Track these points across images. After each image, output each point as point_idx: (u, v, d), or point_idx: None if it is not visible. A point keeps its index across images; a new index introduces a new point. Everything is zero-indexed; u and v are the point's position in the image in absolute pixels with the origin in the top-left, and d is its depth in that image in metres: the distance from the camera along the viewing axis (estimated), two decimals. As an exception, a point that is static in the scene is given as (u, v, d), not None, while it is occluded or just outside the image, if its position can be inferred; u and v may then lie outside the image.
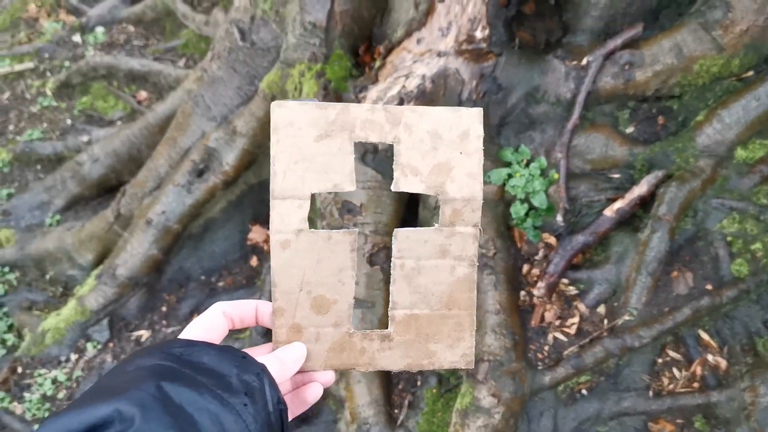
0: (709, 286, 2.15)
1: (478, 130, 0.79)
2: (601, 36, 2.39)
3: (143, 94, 3.62)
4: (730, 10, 2.19)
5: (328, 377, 0.80)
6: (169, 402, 0.58)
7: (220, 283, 2.87)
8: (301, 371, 0.78)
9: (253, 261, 2.87)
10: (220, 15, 3.55)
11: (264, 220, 2.91)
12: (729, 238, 2.17)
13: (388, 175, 2.35)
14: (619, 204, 2.24)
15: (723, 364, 2.08)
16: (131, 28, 3.96)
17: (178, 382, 0.60)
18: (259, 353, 0.74)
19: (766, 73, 2.23)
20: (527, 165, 2.34)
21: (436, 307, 0.81)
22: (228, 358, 0.66)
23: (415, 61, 2.40)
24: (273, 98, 2.59)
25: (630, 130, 2.38)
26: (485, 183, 2.29)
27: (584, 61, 2.32)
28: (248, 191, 2.89)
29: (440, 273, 0.80)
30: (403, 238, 0.79)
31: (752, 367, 2.01)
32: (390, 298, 0.81)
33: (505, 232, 2.31)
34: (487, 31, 2.36)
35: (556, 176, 2.32)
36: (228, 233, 2.90)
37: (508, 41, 2.40)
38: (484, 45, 2.36)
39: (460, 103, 2.35)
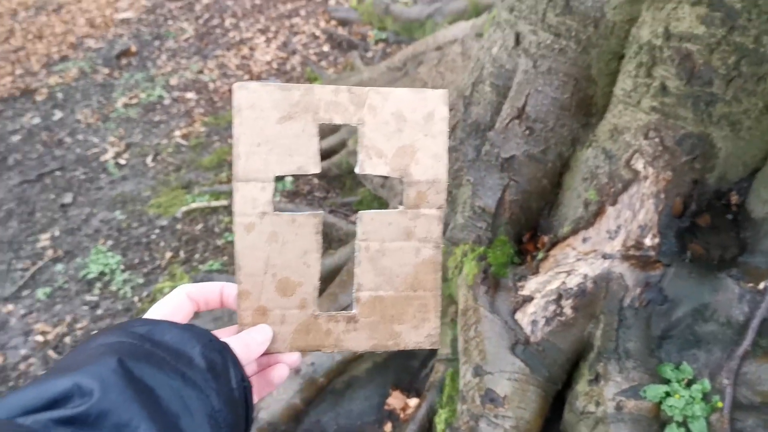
0: None
1: (442, 112, 0.78)
2: (782, 260, 2.27)
3: (314, 243, 3.90)
4: None
5: (294, 358, 0.80)
6: (129, 376, 0.57)
7: (352, 443, 2.87)
8: (266, 353, 0.78)
9: (387, 427, 2.87)
10: (396, 181, 3.81)
11: (404, 387, 2.92)
12: None
13: (537, 371, 2.30)
14: (793, 450, 2.02)
15: None
16: (316, 181, 4.35)
17: (140, 358, 0.60)
18: (225, 335, 0.74)
19: None
20: (688, 385, 2.20)
21: (401, 289, 0.80)
22: (191, 336, 0.66)
23: (579, 259, 2.41)
24: (433, 272, 2.68)
25: (811, 366, 2.17)
26: (640, 398, 2.17)
27: (761, 285, 2.20)
28: (394, 355, 2.94)
29: (405, 255, 0.80)
30: (368, 220, 0.79)
31: None
32: (354, 280, 0.80)
33: (656, 456, 2.14)
34: (657, 240, 2.33)
35: (720, 404, 2.14)
36: (368, 394, 2.94)
37: (679, 252, 2.35)
38: (652, 253, 2.33)
39: (621, 310, 2.30)
